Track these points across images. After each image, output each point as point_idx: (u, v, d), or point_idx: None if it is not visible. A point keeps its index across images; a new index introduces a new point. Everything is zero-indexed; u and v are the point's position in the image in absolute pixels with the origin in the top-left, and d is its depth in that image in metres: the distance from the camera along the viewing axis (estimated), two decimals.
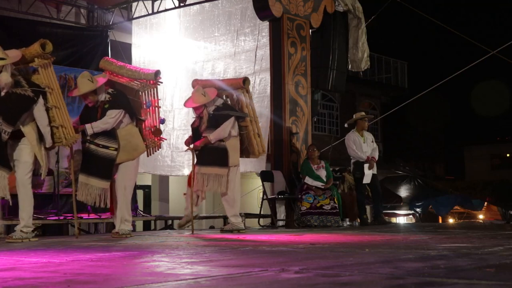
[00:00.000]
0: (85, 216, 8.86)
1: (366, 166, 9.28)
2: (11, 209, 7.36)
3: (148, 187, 15.86)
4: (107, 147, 6.47)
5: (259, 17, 9.96)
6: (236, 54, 10.61)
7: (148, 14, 11.66)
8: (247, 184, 16.49)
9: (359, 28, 11.12)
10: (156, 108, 7.07)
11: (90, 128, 6.41)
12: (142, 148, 6.81)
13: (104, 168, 6.48)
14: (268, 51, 10.05)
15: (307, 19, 10.24)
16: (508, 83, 31.23)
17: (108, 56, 12.36)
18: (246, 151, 7.59)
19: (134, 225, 10.46)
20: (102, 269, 3.45)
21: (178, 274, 3.13)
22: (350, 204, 9.61)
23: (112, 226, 7.19)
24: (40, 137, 6.06)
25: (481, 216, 18.95)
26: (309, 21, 10.28)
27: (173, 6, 11.19)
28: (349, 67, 11.31)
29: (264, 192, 9.43)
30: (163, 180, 14.12)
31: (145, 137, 6.91)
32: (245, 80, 7.62)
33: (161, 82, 7.20)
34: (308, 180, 8.97)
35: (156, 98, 7.07)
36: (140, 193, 15.76)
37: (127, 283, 2.84)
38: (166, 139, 7.97)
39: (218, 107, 7.20)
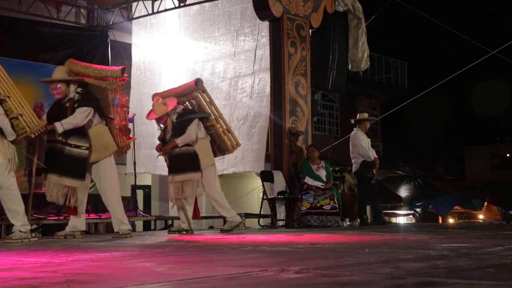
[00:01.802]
0: (85, 216, 8.84)
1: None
2: None
3: (148, 187, 15.87)
4: (78, 147, 6.44)
5: (259, 17, 9.95)
6: (236, 54, 10.61)
7: (148, 14, 11.66)
8: (247, 184, 16.50)
9: (359, 28, 11.12)
10: (124, 107, 7.10)
11: (60, 125, 6.36)
12: (113, 147, 6.81)
13: (77, 167, 6.45)
14: (267, 51, 10.04)
15: (307, 19, 10.24)
16: (508, 83, 31.23)
17: (108, 56, 12.42)
18: (220, 149, 7.63)
19: (134, 225, 10.48)
20: (102, 269, 3.45)
21: (178, 274, 3.13)
22: (350, 204, 9.61)
23: (112, 227, 7.18)
24: (1, 132, 5.97)
25: (481, 216, 18.96)
26: (309, 21, 10.27)
27: (173, 6, 11.19)
28: (349, 67, 11.30)
29: (264, 192, 9.43)
30: (163, 180, 14.09)
31: (115, 136, 6.90)
32: (197, 82, 7.61)
33: (127, 80, 7.26)
34: (308, 180, 8.97)
35: (124, 97, 7.11)
36: (140, 193, 15.77)
37: (127, 283, 2.83)
38: (135, 139, 7.97)
39: (179, 114, 7.29)
